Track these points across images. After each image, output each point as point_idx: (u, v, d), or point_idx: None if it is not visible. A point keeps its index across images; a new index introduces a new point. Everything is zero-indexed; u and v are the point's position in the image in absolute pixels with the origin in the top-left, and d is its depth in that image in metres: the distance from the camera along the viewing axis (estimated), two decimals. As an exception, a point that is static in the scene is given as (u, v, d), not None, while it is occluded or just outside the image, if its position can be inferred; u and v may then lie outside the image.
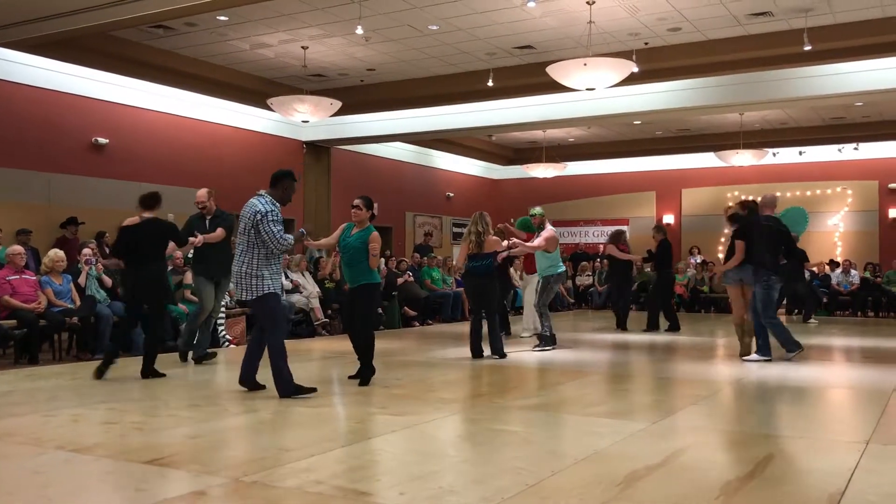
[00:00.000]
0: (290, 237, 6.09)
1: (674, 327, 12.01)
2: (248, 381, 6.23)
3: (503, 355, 8.59)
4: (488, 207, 22.42)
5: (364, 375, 6.75)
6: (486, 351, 8.62)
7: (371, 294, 6.83)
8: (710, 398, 6.45)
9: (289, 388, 5.99)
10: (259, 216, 5.95)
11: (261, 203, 6.03)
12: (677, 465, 4.13)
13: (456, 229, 21.45)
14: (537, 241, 9.29)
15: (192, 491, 3.57)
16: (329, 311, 12.15)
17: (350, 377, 6.94)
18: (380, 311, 12.94)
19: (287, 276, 11.66)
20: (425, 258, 15.46)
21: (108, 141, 12.70)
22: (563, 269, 9.70)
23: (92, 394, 6.32)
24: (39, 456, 4.21)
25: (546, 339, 9.39)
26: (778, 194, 8.94)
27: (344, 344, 10.36)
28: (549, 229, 9.43)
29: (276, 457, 4.19)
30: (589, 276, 18.76)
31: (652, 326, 12.06)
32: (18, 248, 8.90)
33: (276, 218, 6.00)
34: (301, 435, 4.82)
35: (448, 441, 4.84)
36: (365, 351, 6.78)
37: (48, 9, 9.62)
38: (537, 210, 9.69)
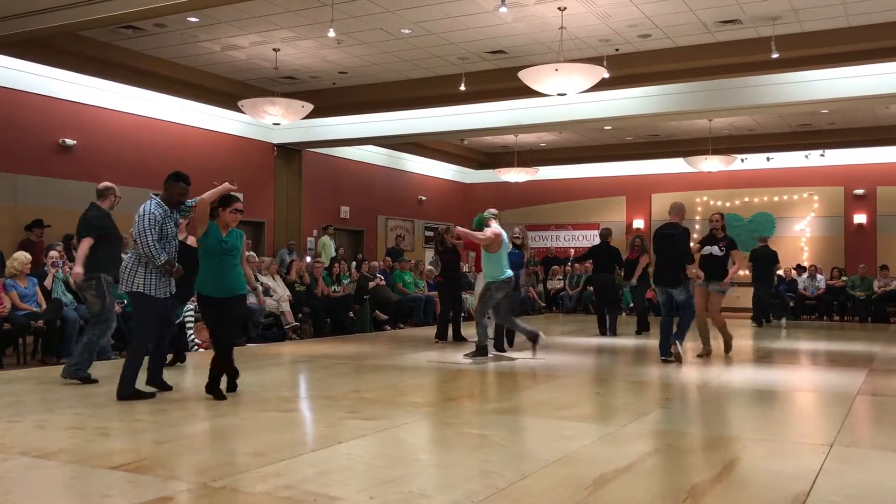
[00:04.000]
0: (161, 255, 6.08)
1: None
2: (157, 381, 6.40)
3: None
4: (461, 211, 22.53)
5: (234, 381, 6.36)
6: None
7: (245, 302, 6.71)
8: (678, 401, 6.52)
9: (128, 391, 6.06)
10: (138, 216, 6.14)
11: (145, 205, 6.22)
12: (645, 468, 4.17)
13: (428, 233, 21.46)
14: (480, 234, 8.88)
15: (160, 497, 3.53)
16: (300, 315, 12.09)
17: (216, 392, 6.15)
18: (351, 314, 12.94)
19: (257, 280, 11.60)
20: (397, 262, 15.44)
21: (75, 142, 12.53)
22: (508, 275, 8.92)
23: (57, 399, 6.24)
24: (3, 462, 4.14)
25: (480, 350, 8.93)
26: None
27: (314, 348, 10.35)
28: (493, 227, 8.99)
29: (245, 462, 4.17)
30: (560, 280, 18.86)
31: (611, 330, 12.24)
32: (-18, 251, 8.76)
33: (150, 223, 6.08)
34: (271, 439, 4.79)
35: (418, 445, 4.84)
36: (230, 356, 6.27)
37: (15, 7, 9.48)
38: (486, 213, 9.32)
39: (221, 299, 6.11)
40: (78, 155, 12.60)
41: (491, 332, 10.10)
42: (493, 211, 9.42)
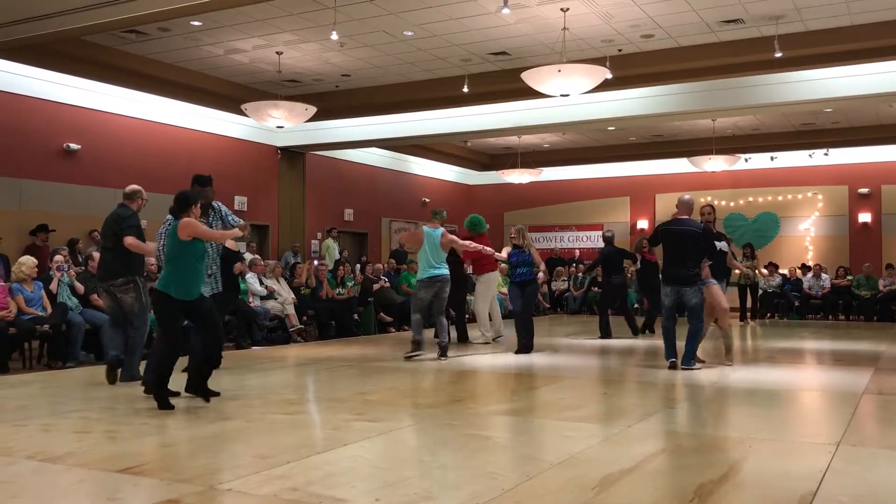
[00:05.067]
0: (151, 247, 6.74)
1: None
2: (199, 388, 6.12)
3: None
4: (464, 213, 22.43)
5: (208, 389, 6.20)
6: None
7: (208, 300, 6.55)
8: (684, 402, 6.50)
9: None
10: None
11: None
12: (651, 469, 4.16)
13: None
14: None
15: (166, 499, 3.53)
16: (304, 318, 12.10)
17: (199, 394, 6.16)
18: (355, 317, 12.94)
19: (262, 283, 11.62)
20: (402, 264, 15.43)
21: (79, 147, 12.57)
22: (430, 274, 8.98)
23: (63, 402, 6.25)
24: (9, 466, 4.15)
25: (441, 348, 9.13)
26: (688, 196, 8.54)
27: (319, 350, 10.35)
28: (420, 228, 9.31)
29: (251, 464, 4.17)
30: (565, 281, 18.84)
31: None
32: (-12, 256, 8.78)
33: (164, 229, 6.63)
34: (276, 442, 4.79)
35: (423, 447, 4.84)
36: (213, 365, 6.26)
37: (19, 13, 9.50)
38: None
39: (191, 302, 5.95)
40: (82, 159, 12.64)
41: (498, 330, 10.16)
42: (436, 210, 9.82)
